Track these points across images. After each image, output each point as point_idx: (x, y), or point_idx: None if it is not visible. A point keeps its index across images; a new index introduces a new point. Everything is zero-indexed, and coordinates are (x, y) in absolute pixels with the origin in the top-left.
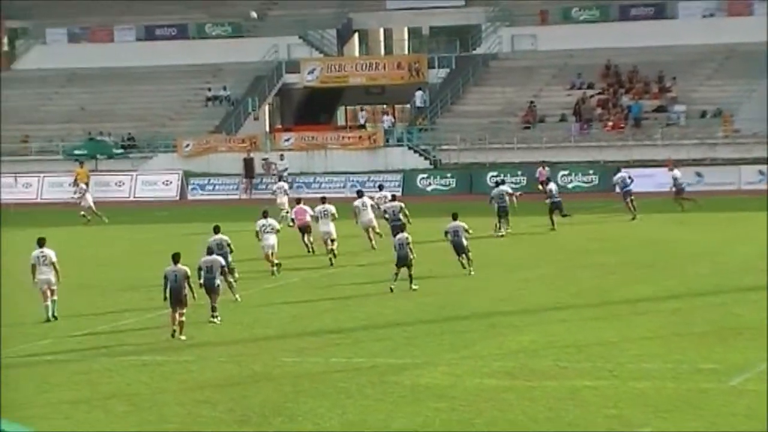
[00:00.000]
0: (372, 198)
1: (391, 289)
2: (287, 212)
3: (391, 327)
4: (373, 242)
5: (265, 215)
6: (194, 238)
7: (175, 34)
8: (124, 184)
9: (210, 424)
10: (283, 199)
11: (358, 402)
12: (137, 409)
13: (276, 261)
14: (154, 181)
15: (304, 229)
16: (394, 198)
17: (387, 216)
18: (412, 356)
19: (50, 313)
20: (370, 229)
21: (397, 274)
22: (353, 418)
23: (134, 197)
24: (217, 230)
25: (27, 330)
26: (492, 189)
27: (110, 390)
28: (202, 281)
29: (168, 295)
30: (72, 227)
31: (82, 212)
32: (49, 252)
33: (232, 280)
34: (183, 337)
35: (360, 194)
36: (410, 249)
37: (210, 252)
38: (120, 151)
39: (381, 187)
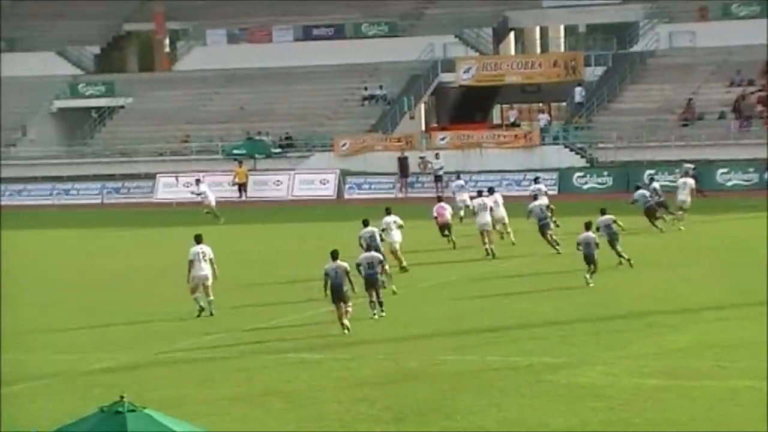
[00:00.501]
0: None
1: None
2: (468, 207)
3: (548, 325)
4: (511, 237)
5: (388, 212)
6: (351, 236)
7: (332, 34)
8: (281, 183)
9: (368, 421)
10: (463, 196)
11: (514, 400)
12: (295, 407)
13: (403, 262)
14: (312, 180)
15: (444, 227)
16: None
17: (536, 216)
18: (569, 355)
19: (206, 310)
20: (485, 233)
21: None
22: (510, 417)
23: (292, 196)
24: (366, 223)
25: (189, 326)
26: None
27: (268, 387)
28: (363, 276)
29: (329, 291)
30: (231, 226)
31: (206, 210)
32: (206, 249)
33: (387, 272)
34: (347, 327)
35: (483, 193)
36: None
37: (367, 248)
38: (278, 150)
39: (536, 180)
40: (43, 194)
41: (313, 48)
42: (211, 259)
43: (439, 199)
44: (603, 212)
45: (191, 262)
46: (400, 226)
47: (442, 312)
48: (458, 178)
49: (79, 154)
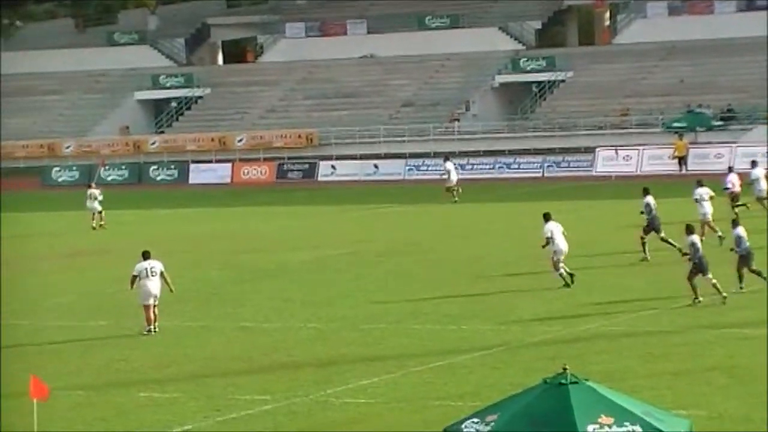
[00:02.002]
0: None
1: None
2: None
3: None
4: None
5: (699, 184)
6: None
7: None
8: (722, 156)
9: None
10: None
11: None
12: (738, 382)
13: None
14: (754, 153)
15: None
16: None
17: None
18: None
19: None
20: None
21: None
22: None
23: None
24: None
25: (628, 300)
26: None
27: (712, 362)
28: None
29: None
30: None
31: (447, 187)
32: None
33: None
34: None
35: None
36: None
37: None
38: (719, 123)
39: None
40: (486, 168)
41: (754, 18)
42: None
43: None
44: None
45: (548, 240)
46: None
47: None
48: None
49: (521, 128)
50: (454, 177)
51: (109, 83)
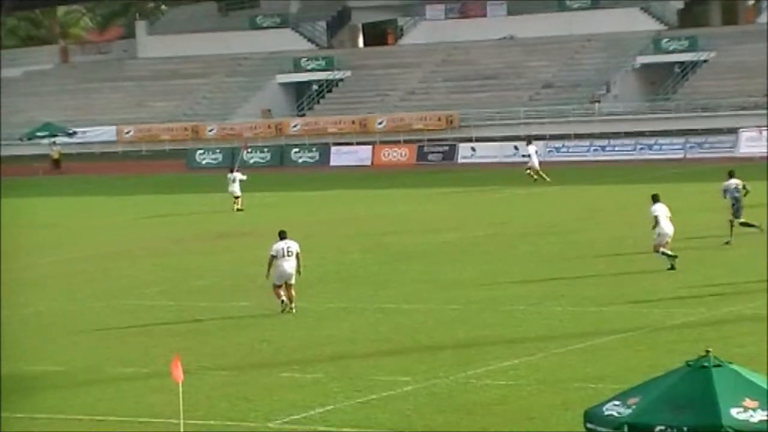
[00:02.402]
0: None
1: None
2: None
3: None
4: None
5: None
6: None
7: None
8: None
9: None
10: None
11: None
12: None
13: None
14: None
15: None
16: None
17: None
18: None
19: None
20: None
21: None
22: None
23: None
24: None
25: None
26: None
27: None
28: None
29: None
30: None
31: (527, 171)
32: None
33: None
34: None
35: None
36: None
37: None
38: None
39: None
40: (627, 149)
41: None
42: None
43: None
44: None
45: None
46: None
47: None
48: None
49: (662, 109)
50: (535, 161)
51: (252, 66)
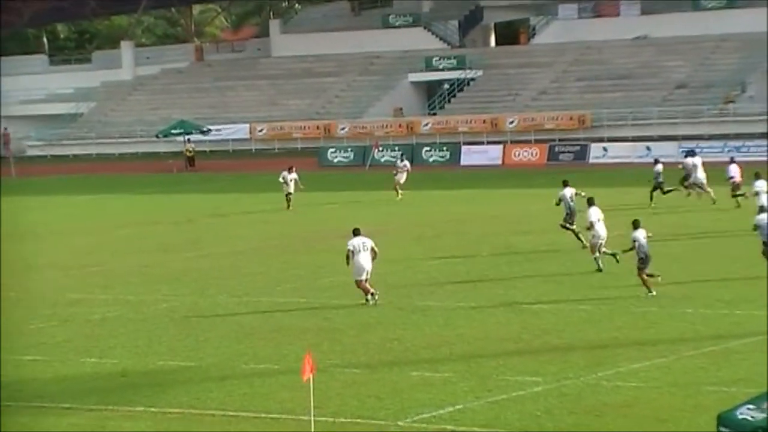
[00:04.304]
0: None
1: None
2: None
3: None
4: None
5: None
6: None
7: None
8: None
9: None
10: None
11: None
12: None
13: None
14: None
15: None
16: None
17: None
18: None
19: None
20: None
21: None
22: None
23: None
24: None
25: None
26: None
27: None
28: None
29: None
30: None
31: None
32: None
33: None
34: None
35: None
36: None
37: None
38: None
39: None
40: (762, 150)
41: None
42: None
43: None
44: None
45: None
46: None
47: None
48: None
49: None
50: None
51: (384, 65)
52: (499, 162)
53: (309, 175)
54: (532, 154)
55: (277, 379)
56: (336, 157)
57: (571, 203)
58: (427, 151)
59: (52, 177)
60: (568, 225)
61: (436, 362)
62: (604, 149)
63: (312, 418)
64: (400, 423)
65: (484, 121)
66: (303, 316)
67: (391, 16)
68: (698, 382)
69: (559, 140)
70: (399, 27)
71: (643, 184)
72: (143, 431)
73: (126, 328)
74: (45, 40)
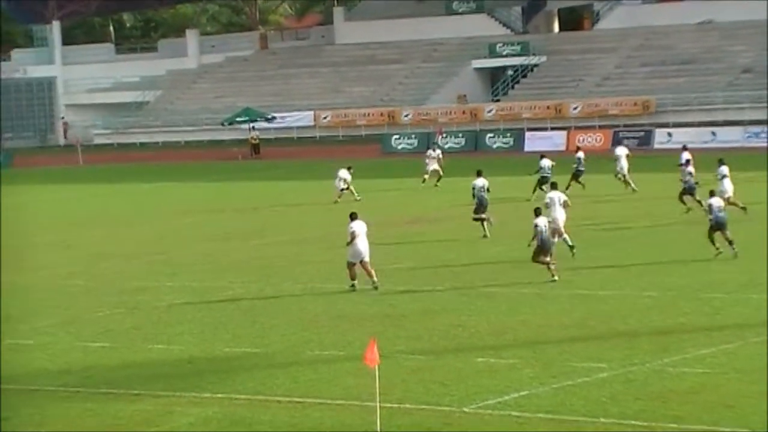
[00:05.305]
0: None
1: None
2: None
3: None
4: None
5: None
6: None
7: None
8: None
9: None
10: None
11: None
12: None
13: None
14: None
15: None
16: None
17: None
18: None
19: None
20: None
21: None
22: None
23: None
24: None
25: None
26: None
27: None
28: None
29: None
30: None
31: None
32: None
33: None
34: None
35: None
36: None
37: None
38: None
39: None
40: None
41: None
42: None
43: None
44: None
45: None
46: None
47: None
48: None
49: None
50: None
51: (447, 52)
52: (563, 148)
53: (373, 162)
54: (596, 139)
55: (342, 366)
56: (400, 143)
57: (482, 194)
58: (490, 137)
59: (118, 165)
60: (478, 216)
61: (500, 348)
62: (669, 134)
63: (377, 404)
64: (465, 409)
65: (547, 107)
66: (367, 303)
67: (454, 3)
68: (764, 368)
69: (624, 126)
70: (462, 13)
71: (708, 169)
72: (210, 417)
73: (192, 315)
74: (111, 29)
